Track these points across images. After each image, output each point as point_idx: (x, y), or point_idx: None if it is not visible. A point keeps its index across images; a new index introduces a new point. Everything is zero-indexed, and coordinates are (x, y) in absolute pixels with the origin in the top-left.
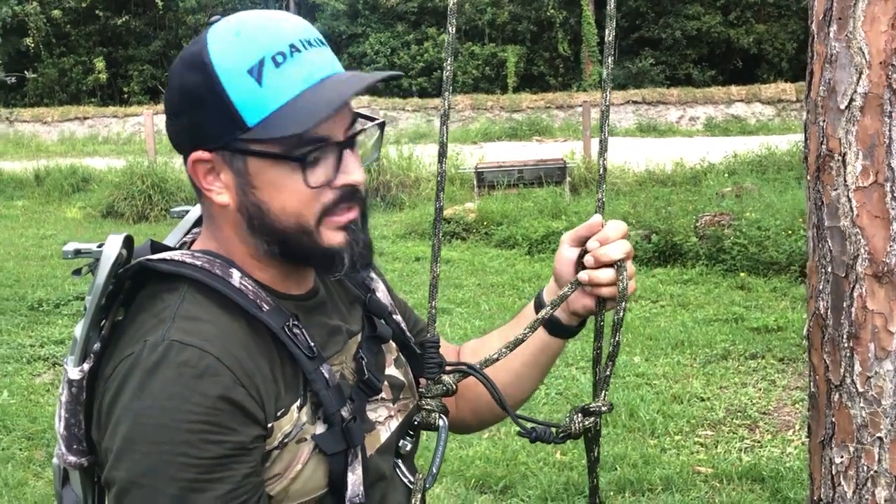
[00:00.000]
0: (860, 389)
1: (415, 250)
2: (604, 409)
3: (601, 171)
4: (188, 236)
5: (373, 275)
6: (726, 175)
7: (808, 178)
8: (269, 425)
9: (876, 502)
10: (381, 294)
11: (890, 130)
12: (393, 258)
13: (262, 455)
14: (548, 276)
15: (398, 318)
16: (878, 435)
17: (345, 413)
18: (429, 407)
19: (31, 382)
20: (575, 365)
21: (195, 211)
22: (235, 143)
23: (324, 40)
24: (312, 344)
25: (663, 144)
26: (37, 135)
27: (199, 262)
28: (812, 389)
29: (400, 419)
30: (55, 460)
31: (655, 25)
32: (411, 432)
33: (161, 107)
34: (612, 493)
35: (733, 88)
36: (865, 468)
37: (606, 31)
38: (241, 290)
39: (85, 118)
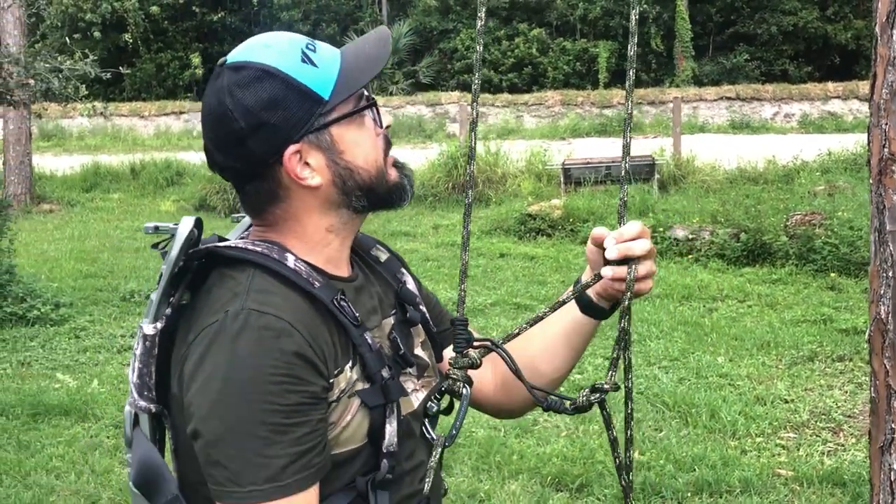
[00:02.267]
0: None
1: (500, 246)
2: (607, 387)
3: (623, 173)
4: (245, 233)
5: (403, 269)
6: (819, 173)
7: (871, 181)
8: (331, 381)
9: None
10: (410, 286)
11: None
12: (478, 254)
13: (327, 406)
14: None
15: (423, 308)
16: None
17: (384, 373)
18: (455, 376)
19: (120, 372)
20: (657, 364)
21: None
22: (318, 120)
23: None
24: (357, 314)
25: (756, 141)
26: (133, 129)
27: (259, 249)
28: (872, 395)
29: (424, 393)
30: (127, 407)
31: (751, 21)
32: (437, 397)
33: None
34: (689, 494)
35: (830, 85)
36: None
37: (629, 48)
38: (296, 270)
39: (181, 113)
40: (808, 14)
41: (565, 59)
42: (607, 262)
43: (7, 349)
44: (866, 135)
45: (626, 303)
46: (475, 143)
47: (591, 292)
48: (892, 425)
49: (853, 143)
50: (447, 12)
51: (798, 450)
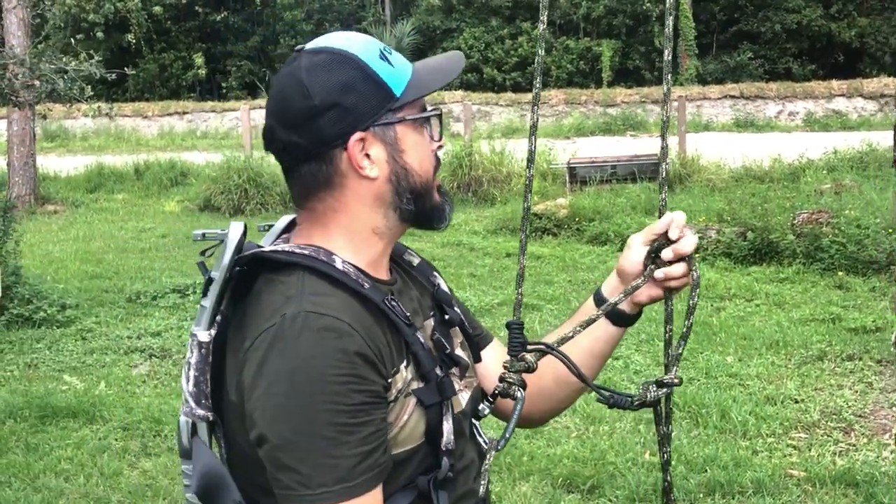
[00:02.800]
0: None
1: (506, 246)
2: (676, 381)
3: (662, 175)
4: (278, 240)
5: (435, 273)
6: (825, 172)
7: None
8: (389, 380)
9: None
10: (444, 288)
11: None
12: (483, 254)
13: (386, 404)
14: None
15: (458, 310)
16: None
17: (438, 371)
18: (510, 380)
19: (127, 374)
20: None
21: (281, 222)
22: (387, 115)
23: None
24: (409, 315)
25: (761, 140)
26: (137, 129)
27: (306, 252)
28: None
29: (467, 393)
30: (183, 418)
31: (754, 19)
32: (490, 399)
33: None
34: (701, 495)
35: (834, 83)
36: None
37: (665, 53)
38: (345, 271)
39: (184, 113)
40: (812, 12)
41: (569, 58)
42: (652, 263)
43: (14, 351)
44: (892, 133)
45: (696, 299)
46: (535, 147)
47: (624, 302)
48: None
49: (859, 141)
50: (450, 11)
51: (810, 450)
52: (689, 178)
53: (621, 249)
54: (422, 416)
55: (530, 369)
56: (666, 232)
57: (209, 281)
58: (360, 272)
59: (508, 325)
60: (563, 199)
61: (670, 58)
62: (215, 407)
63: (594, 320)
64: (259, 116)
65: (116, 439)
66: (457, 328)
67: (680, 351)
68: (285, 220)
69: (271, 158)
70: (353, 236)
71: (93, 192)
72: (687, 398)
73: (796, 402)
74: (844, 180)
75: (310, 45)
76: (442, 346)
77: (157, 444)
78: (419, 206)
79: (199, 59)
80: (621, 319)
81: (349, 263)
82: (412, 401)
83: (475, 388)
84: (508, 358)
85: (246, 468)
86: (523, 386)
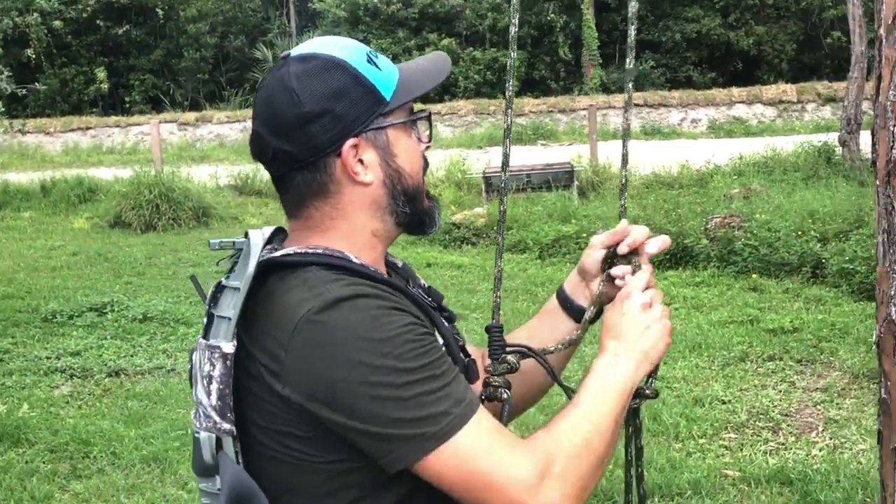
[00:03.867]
0: None
1: (426, 256)
2: (648, 392)
3: (623, 181)
4: (265, 251)
5: (418, 276)
6: (733, 177)
7: (878, 182)
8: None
9: None
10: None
11: None
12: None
13: None
14: (559, 280)
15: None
16: None
17: (462, 356)
18: (496, 383)
19: (49, 395)
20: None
21: (257, 237)
22: (378, 119)
23: None
24: (431, 300)
25: (668, 147)
26: (41, 146)
27: (320, 251)
28: (883, 396)
29: None
30: (203, 434)
31: (655, 28)
32: (482, 399)
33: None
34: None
35: (734, 90)
36: None
37: (627, 60)
38: (363, 264)
39: (87, 128)
40: (711, 21)
41: (476, 69)
42: (612, 264)
43: None
44: (870, 136)
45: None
46: (509, 150)
47: (583, 301)
48: None
49: (763, 146)
50: (357, 23)
51: (741, 450)
52: (602, 185)
53: (540, 257)
54: None
55: (513, 370)
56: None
57: (218, 290)
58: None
59: (488, 329)
60: (480, 209)
61: (632, 64)
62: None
63: (576, 341)
64: (166, 131)
65: (44, 462)
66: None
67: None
68: (265, 232)
69: (182, 173)
70: (354, 240)
71: None
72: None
73: (724, 402)
74: (752, 185)
75: (296, 51)
76: (455, 340)
77: (86, 466)
78: (412, 209)
79: (101, 74)
80: (581, 313)
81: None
82: None
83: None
84: (489, 361)
85: (275, 470)
86: (508, 387)
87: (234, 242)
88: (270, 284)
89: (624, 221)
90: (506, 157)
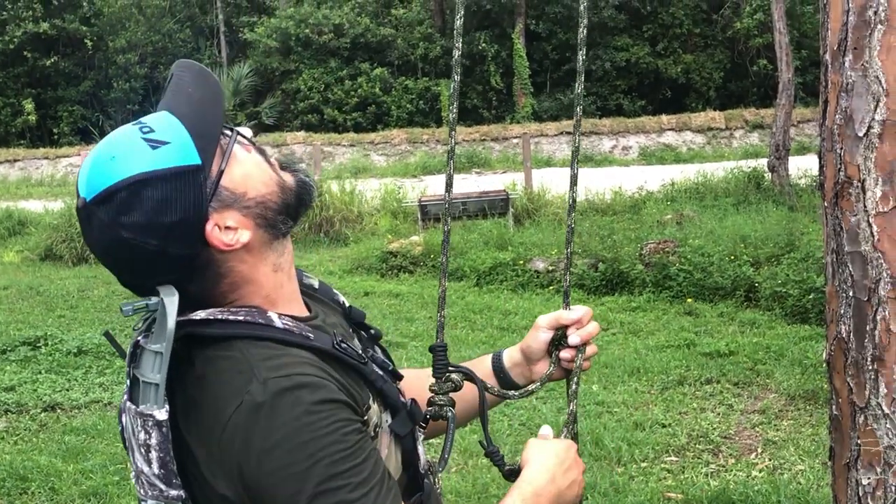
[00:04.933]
0: (886, 411)
1: (363, 285)
2: None
3: (571, 202)
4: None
5: (335, 291)
6: (666, 203)
7: (826, 204)
8: (364, 418)
9: None
10: (345, 303)
11: None
12: (343, 293)
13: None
14: (497, 307)
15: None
16: None
17: (402, 398)
18: (440, 402)
19: None
20: (535, 395)
21: (171, 299)
22: (208, 185)
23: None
24: (360, 352)
25: (601, 174)
26: None
27: (241, 318)
28: (835, 413)
29: None
30: (151, 502)
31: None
32: (423, 425)
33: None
34: None
35: (664, 118)
36: (893, 488)
37: (576, 85)
38: (286, 328)
39: (15, 160)
40: (640, 50)
41: (408, 98)
42: (559, 346)
43: None
44: (817, 159)
45: (575, 386)
46: (452, 171)
47: (520, 376)
48: (858, 441)
49: (693, 172)
50: (288, 53)
51: (683, 473)
52: (538, 212)
53: (477, 284)
54: (397, 447)
55: (457, 388)
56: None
57: (137, 348)
58: (299, 321)
59: (432, 349)
60: (416, 237)
61: (581, 90)
62: (185, 484)
63: (511, 397)
64: None
65: None
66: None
67: (563, 435)
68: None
69: None
70: (266, 290)
71: None
72: (559, 427)
73: (664, 426)
74: (685, 210)
75: (87, 193)
76: (383, 364)
77: (24, 502)
78: (290, 211)
79: (28, 105)
80: (512, 388)
81: (286, 316)
82: (387, 435)
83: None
84: (433, 380)
85: None
86: (452, 405)
87: (146, 305)
88: (199, 366)
89: (578, 310)
90: (449, 177)
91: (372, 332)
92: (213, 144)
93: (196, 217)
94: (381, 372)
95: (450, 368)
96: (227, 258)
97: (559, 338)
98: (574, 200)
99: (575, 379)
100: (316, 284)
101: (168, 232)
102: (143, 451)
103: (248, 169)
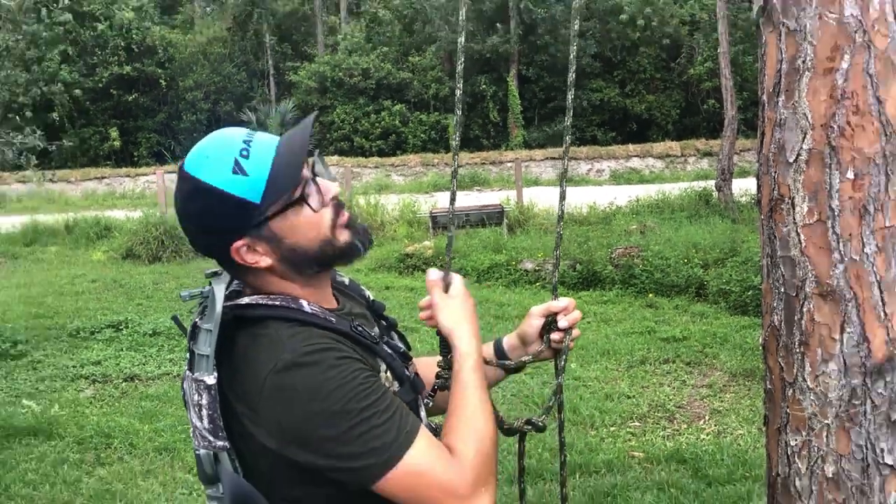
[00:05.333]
0: (810, 386)
1: (384, 281)
2: (540, 425)
3: (560, 213)
4: (235, 285)
5: (363, 287)
6: (632, 216)
7: (762, 217)
8: (379, 374)
9: (825, 476)
10: (371, 297)
11: (830, 178)
12: (368, 288)
13: None
14: (494, 300)
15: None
16: (826, 422)
17: (407, 372)
18: (445, 375)
19: (76, 397)
20: (524, 372)
21: (219, 287)
22: (255, 220)
23: (252, 131)
24: (373, 333)
25: (578, 192)
26: (64, 192)
27: (278, 303)
28: (768, 387)
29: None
30: (202, 451)
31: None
32: (431, 393)
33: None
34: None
35: (630, 146)
36: (816, 449)
37: (566, 117)
38: (313, 313)
39: (103, 178)
40: (611, 91)
41: (422, 129)
42: (550, 330)
43: None
44: (755, 181)
45: (564, 362)
46: (455, 188)
47: (516, 355)
48: (787, 410)
49: (654, 191)
50: (325, 92)
51: (644, 435)
52: (527, 222)
53: (477, 281)
54: None
55: None
56: (559, 308)
57: (195, 329)
58: (326, 311)
59: (439, 332)
60: (428, 242)
61: (569, 122)
62: (230, 436)
63: (507, 367)
64: (168, 179)
65: (73, 452)
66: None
67: (549, 403)
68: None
69: None
70: (295, 293)
71: (29, 246)
72: (543, 398)
73: (629, 398)
74: (647, 222)
75: (185, 164)
76: (395, 347)
77: (108, 455)
78: (323, 261)
79: (114, 133)
80: (510, 370)
81: (314, 304)
82: None
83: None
84: (441, 358)
85: (270, 484)
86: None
87: (201, 292)
88: (242, 342)
89: (564, 300)
90: (453, 194)
91: (389, 320)
92: (279, 194)
93: (227, 235)
94: (391, 352)
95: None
96: (249, 268)
97: (549, 323)
98: (562, 213)
99: (563, 357)
100: (346, 282)
101: (202, 229)
102: (196, 409)
103: (299, 223)
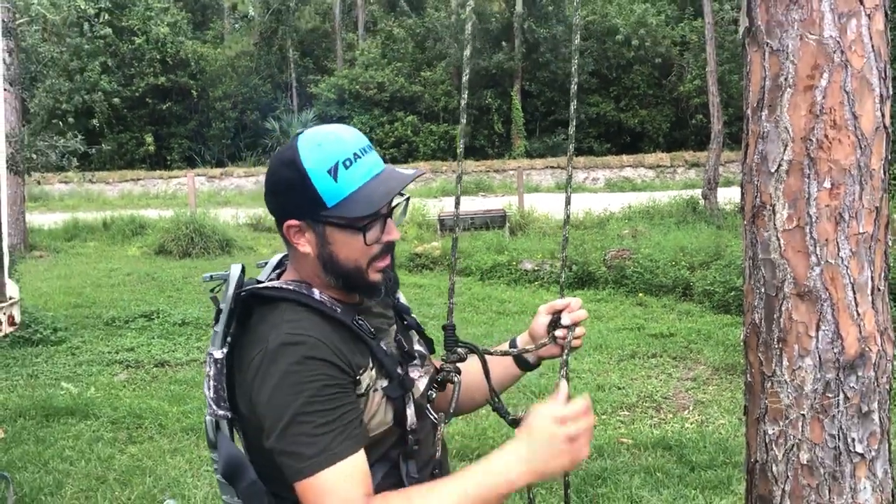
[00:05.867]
0: (787, 379)
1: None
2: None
3: (566, 216)
4: (273, 273)
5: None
6: (624, 221)
7: (745, 222)
8: (357, 377)
9: (800, 462)
10: (403, 300)
11: (808, 187)
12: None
13: (356, 395)
14: (496, 297)
15: (415, 316)
16: (802, 413)
17: (399, 370)
18: (448, 369)
19: (111, 380)
20: None
21: (274, 258)
22: (318, 216)
23: (371, 146)
24: (372, 329)
25: (575, 199)
26: (102, 193)
27: (291, 287)
28: (749, 380)
29: (426, 378)
30: (207, 417)
31: (566, 110)
32: (436, 385)
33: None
34: None
35: (624, 157)
36: (792, 437)
37: (570, 127)
38: (321, 301)
39: (138, 179)
40: (607, 105)
41: (432, 139)
42: (556, 327)
43: (18, 364)
44: (739, 189)
45: (567, 357)
46: (460, 192)
47: (531, 355)
48: (766, 401)
49: (646, 199)
50: (343, 103)
51: (633, 424)
52: (527, 226)
53: (481, 279)
54: (389, 406)
55: (462, 359)
56: (562, 305)
57: (219, 311)
58: (335, 300)
59: (444, 328)
60: (436, 243)
61: (573, 131)
62: (233, 408)
63: (510, 353)
64: (198, 182)
65: (107, 431)
66: (414, 331)
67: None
68: (278, 256)
69: (211, 213)
70: (314, 280)
71: (70, 241)
72: (541, 388)
73: (619, 388)
74: (638, 227)
75: (302, 133)
76: (402, 346)
77: (140, 434)
78: (347, 283)
79: (149, 139)
80: (526, 365)
81: (325, 294)
82: (378, 395)
83: (432, 373)
84: (445, 353)
85: (260, 453)
86: (458, 372)
87: (221, 276)
88: (255, 318)
89: (568, 299)
90: (457, 199)
91: (409, 322)
92: (348, 213)
93: (288, 211)
94: (385, 349)
95: (459, 343)
96: (292, 245)
97: (555, 320)
98: (568, 217)
99: (565, 352)
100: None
101: (274, 192)
102: (207, 380)
103: (348, 244)
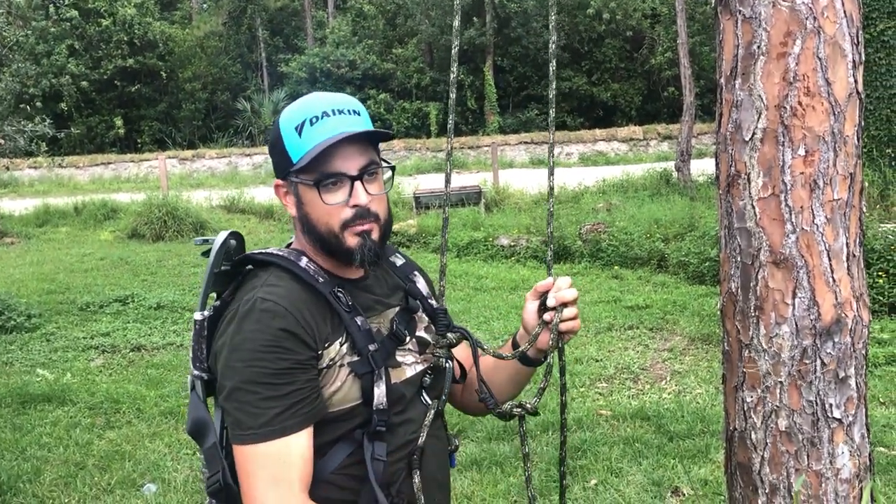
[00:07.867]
0: (765, 347)
1: None
2: (529, 409)
3: (550, 188)
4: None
5: (416, 272)
6: (598, 195)
7: (720, 192)
8: (320, 352)
9: (779, 429)
10: (420, 285)
11: (783, 155)
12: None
13: (317, 371)
14: (473, 273)
15: (433, 302)
16: (779, 380)
17: (371, 347)
18: (439, 353)
19: (87, 366)
20: (500, 339)
21: (221, 235)
22: (290, 174)
23: (359, 111)
24: (351, 303)
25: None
26: (73, 177)
27: (283, 253)
28: (726, 348)
29: (425, 365)
30: (189, 376)
31: (538, 85)
32: (429, 371)
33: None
34: (539, 433)
35: (597, 131)
36: (770, 404)
37: (549, 112)
38: (306, 269)
39: (109, 163)
40: (579, 80)
41: (405, 116)
42: (545, 311)
43: None
44: (714, 159)
45: (552, 341)
46: (450, 171)
47: (531, 350)
48: (743, 369)
49: (619, 172)
50: (314, 82)
51: (611, 395)
52: (503, 202)
53: (458, 256)
54: (355, 382)
55: (452, 345)
56: (545, 286)
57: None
58: (321, 270)
59: (435, 310)
60: (412, 221)
61: (553, 113)
62: (211, 370)
63: (504, 357)
64: (170, 164)
65: (84, 417)
66: (422, 315)
67: (542, 385)
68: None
69: (183, 196)
70: (307, 247)
71: (41, 227)
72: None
73: (597, 361)
74: (613, 201)
75: (292, 103)
76: (392, 328)
77: (117, 419)
78: (325, 247)
79: (118, 121)
80: (528, 362)
81: (314, 263)
82: (345, 370)
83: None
84: (434, 338)
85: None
86: (449, 357)
87: (207, 240)
88: (247, 277)
89: (553, 278)
90: (448, 175)
91: (409, 305)
92: (304, 169)
93: (276, 170)
94: (369, 326)
95: (452, 328)
96: (289, 210)
97: (544, 303)
98: (552, 190)
99: (553, 335)
100: (399, 263)
101: (271, 150)
102: (190, 341)
103: (315, 204)
